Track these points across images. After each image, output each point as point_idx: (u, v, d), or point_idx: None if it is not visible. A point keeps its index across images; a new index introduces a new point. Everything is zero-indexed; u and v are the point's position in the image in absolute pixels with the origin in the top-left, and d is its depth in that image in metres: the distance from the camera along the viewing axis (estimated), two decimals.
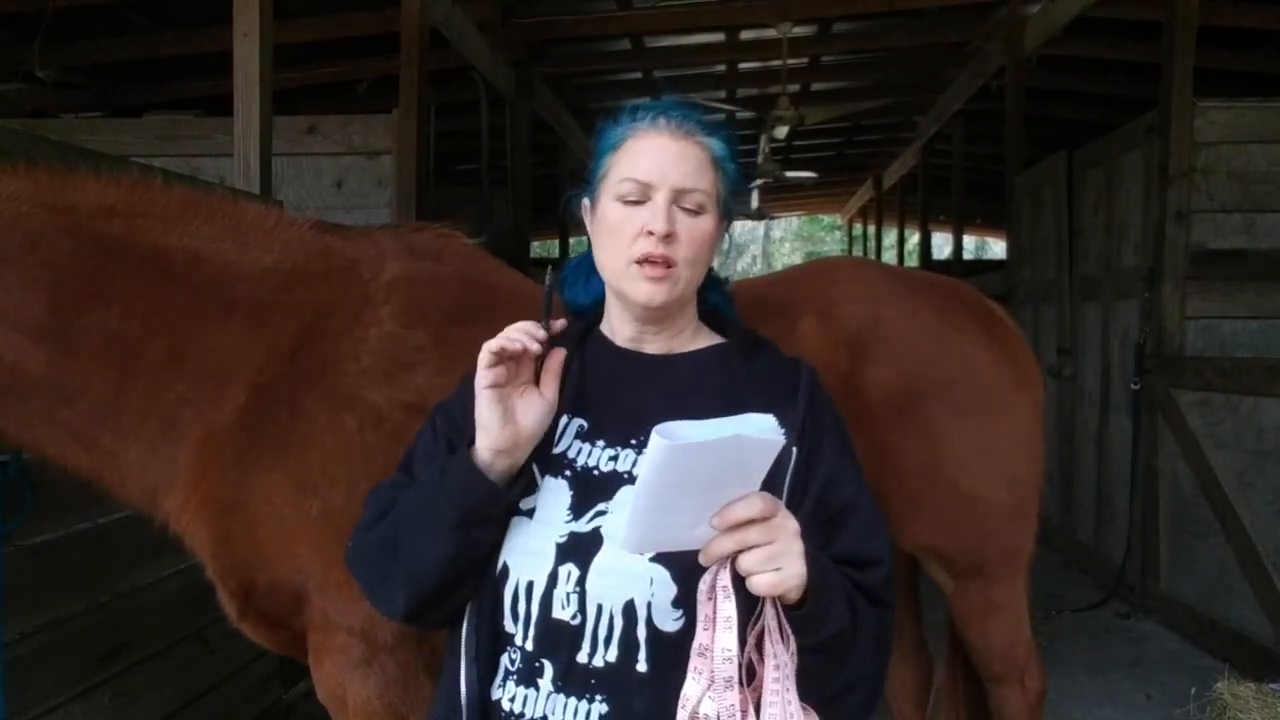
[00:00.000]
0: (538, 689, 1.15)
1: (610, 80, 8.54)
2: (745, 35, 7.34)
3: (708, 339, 1.34)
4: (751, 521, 0.99)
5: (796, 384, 1.26)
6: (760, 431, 0.97)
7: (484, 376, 1.13)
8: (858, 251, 17.87)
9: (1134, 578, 4.68)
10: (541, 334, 1.16)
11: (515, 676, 1.17)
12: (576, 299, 1.40)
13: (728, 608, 1.01)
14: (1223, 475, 3.99)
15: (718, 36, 7.38)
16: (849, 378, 1.85)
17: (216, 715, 2.94)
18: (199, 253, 1.65)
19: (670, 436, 0.92)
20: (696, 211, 1.22)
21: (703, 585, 1.04)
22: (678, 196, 1.21)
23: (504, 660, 1.18)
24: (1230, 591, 3.95)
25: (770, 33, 6.98)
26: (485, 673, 1.17)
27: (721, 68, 8.31)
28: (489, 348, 1.13)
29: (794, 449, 1.17)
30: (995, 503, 2.01)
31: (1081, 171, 5.54)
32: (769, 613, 1.03)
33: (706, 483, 0.96)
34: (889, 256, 16.49)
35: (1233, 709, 2.85)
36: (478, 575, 1.18)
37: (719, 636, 1.00)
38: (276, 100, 3.44)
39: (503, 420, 1.14)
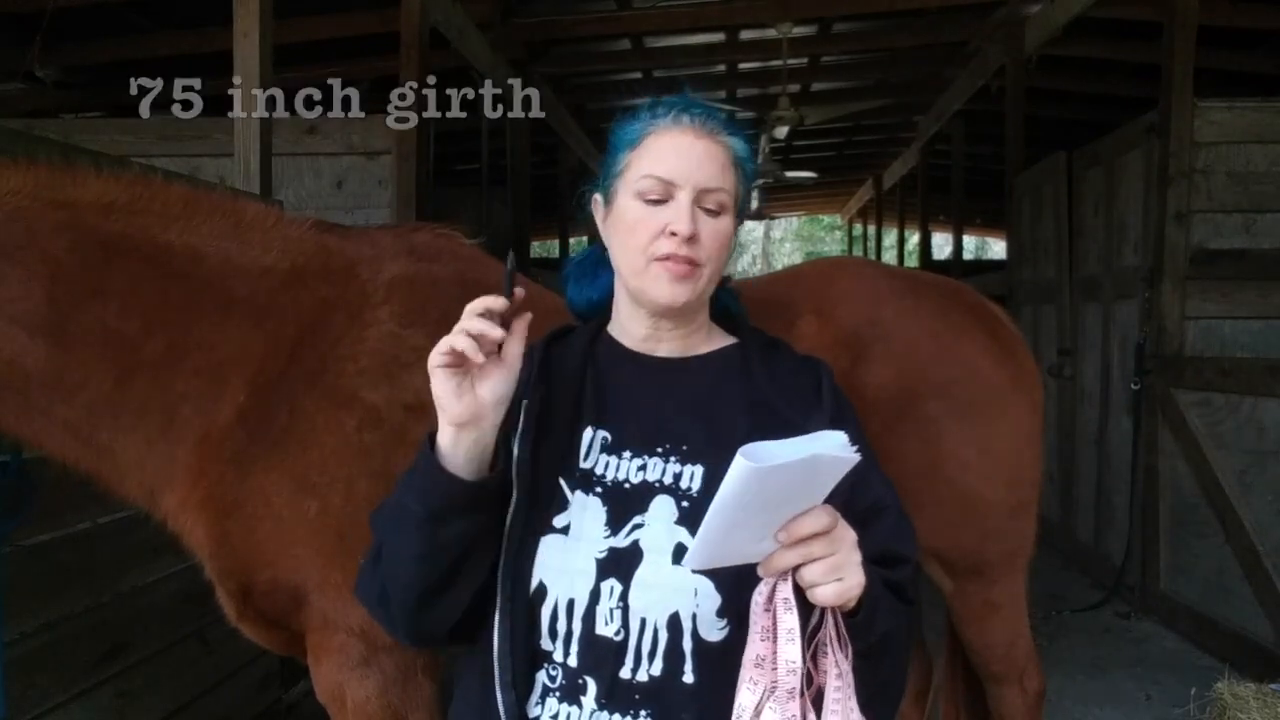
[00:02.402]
0: (580, 706, 1.13)
1: (610, 80, 8.53)
2: (745, 35, 7.34)
3: (721, 340, 1.32)
4: (815, 535, 0.99)
5: (818, 384, 1.25)
6: (835, 449, 0.97)
7: (435, 358, 1.06)
8: (858, 251, 17.86)
9: (1134, 578, 4.68)
10: (502, 304, 1.08)
11: (557, 693, 1.14)
12: (584, 297, 1.36)
13: (789, 619, 1.01)
14: (1223, 475, 3.99)
15: (718, 36, 7.38)
16: (848, 378, 1.85)
17: (216, 715, 2.94)
18: (199, 250, 1.65)
19: (754, 458, 0.92)
20: (717, 212, 1.20)
21: (758, 597, 1.03)
22: (701, 196, 1.18)
23: (541, 677, 1.15)
24: (1230, 591, 3.95)
25: (770, 33, 6.97)
26: (521, 694, 1.14)
27: (721, 68, 8.31)
28: (444, 348, 1.05)
29: None
30: (995, 503, 2.01)
31: (1081, 171, 5.53)
32: (829, 622, 1.04)
33: (778, 500, 0.97)
34: (889, 256, 16.50)
35: (1233, 709, 2.85)
36: (466, 584, 1.13)
37: (782, 649, 1.00)
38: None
39: (457, 392, 1.06)
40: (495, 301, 1.08)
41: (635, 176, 1.21)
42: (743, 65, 8.20)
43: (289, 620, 1.65)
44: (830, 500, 1.07)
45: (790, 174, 10.01)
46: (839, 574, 1.01)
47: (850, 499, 1.17)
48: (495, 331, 1.06)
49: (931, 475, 1.93)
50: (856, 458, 0.97)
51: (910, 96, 9.25)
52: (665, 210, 1.18)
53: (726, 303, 1.36)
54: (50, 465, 1.68)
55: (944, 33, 7.31)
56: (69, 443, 1.60)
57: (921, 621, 2.41)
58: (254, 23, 3.27)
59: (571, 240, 10.53)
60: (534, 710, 1.15)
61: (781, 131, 8.13)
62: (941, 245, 15.84)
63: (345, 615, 1.59)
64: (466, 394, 1.07)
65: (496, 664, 1.14)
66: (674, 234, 1.16)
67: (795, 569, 1.01)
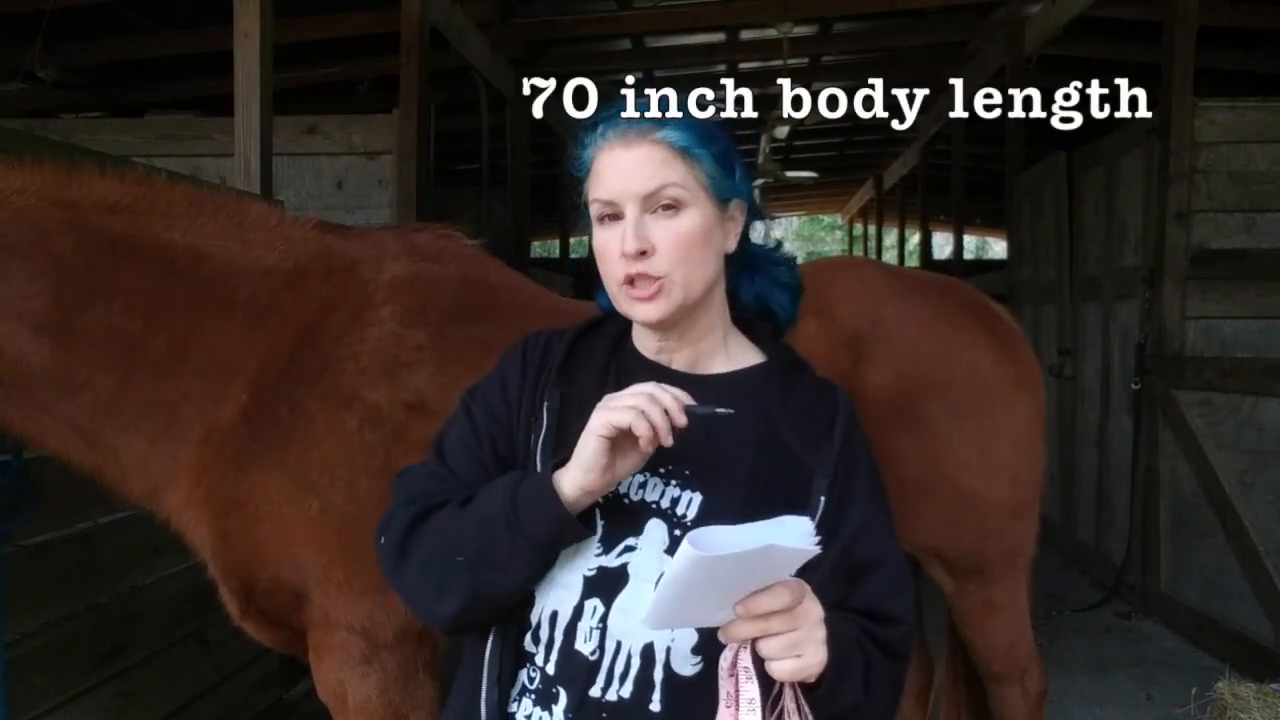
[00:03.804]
0: (550, 714, 1.14)
1: (610, 80, 8.53)
2: (745, 35, 7.34)
3: (743, 356, 1.28)
4: (774, 612, 0.98)
5: (833, 418, 1.22)
6: (794, 539, 0.96)
7: (603, 427, 1.06)
8: (858, 251, 17.87)
9: (1134, 578, 4.68)
10: (688, 403, 1.09)
11: (532, 695, 1.16)
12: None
13: (750, 689, 1.01)
14: (1223, 475, 3.99)
15: (718, 36, 7.38)
16: (849, 378, 1.85)
17: (216, 715, 2.94)
18: (202, 250, 1.65)
19: (701, 546, 0.91)
20: (674, 208, 1.15)
21: (723, 663, 1.03)
22: (648, 203, 1.15)
23: (523, 676, 1.17)
24: (1230, 591, 3.95)
25: (770, 33, 6.97)
26: (504, 691, 1.16)
27: (722, 67, 8.31)
28: (622, 421, 1.05)
29: (822, 496, 1.14)
30: (996, 502, 2.01)
31: (1081, 171, 5.54)
32: (787, 694, 1.04)
33: (733, 580, 0.96)
34: (889, 256, 16.50)
35: (1233, 709, 2.85)
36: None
37: (744, 717, 1.01)
38: (276, 100, 3.44)
39: (606, 466, 1.08)
40: (687, 398, 1.09)
41: (590, 203, 1.20)
42: (743, 65, 8.20)
43: (291, 618, 1.66)
44: (828, 547, 1.05)
45: (790, 174, 10.01)
46: (797, 650, 0.99)
47: (849, 549, 1.16)
48: (679, 419, 1.07)
49: (932, 474, 1.93)
50: (816, 550, 0.96)
51: None
52: (617, 230, 1.16)
53: (776, 303, 1.33)
54: (50, 465, 1.69)
55: (944, 33, 7.32)
56: (72, 441, 1.61)
57: (923, 621, 2.41)
58: (254, 23, 3.27)
59: (572, 240, 10.53)
60: (512, 707, 1.17)
61: (782, 131, 8.13)
62: (942, 245, 15.84)
63: (347, 613, 1.59)
64: (610, 469, 1.09)
65: (486, 663, 1.16)
66: (625, 254, 1.14)
67: (755, 640, 1.00)
